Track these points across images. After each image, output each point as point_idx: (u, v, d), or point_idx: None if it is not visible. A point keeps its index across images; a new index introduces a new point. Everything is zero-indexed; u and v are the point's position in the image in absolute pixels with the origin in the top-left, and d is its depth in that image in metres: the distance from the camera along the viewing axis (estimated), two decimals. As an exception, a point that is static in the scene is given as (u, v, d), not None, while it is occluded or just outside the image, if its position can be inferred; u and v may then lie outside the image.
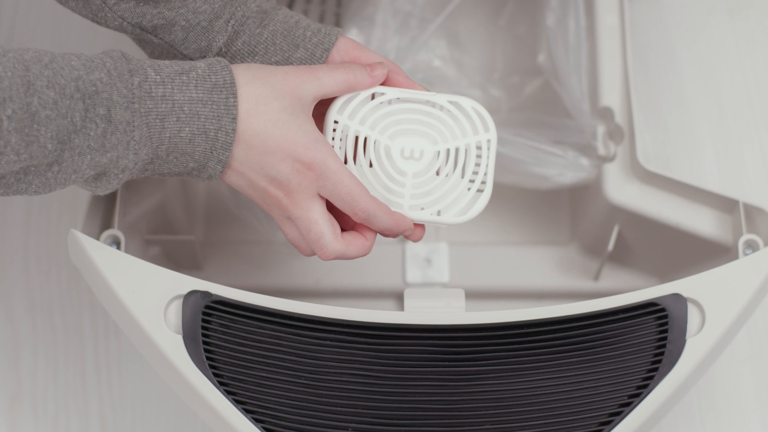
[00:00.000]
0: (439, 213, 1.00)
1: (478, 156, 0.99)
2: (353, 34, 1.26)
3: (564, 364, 0.99)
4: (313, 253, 0.99)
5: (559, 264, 1.23)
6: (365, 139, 0.99)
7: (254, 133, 0.94)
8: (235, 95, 0.93)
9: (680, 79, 1.37)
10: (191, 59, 0.99)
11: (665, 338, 1.00)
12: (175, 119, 0.93)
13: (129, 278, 1.00)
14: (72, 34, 1.37)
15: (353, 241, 0.98)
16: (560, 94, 1.20)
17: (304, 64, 1.00)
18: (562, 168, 1.17)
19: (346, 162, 0.99)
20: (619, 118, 1.17)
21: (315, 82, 0.96)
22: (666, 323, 1.00)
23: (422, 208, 0.99)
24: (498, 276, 1.25)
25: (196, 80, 0.93)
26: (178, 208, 1.21)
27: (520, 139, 1.17)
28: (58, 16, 1.38)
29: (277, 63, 1.00)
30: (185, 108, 0.93)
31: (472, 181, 0.99)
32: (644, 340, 1.00)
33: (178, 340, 0.98)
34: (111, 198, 1.10)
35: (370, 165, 0.99)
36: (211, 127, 0.93)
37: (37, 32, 1.37)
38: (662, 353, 0.99)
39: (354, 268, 1.26)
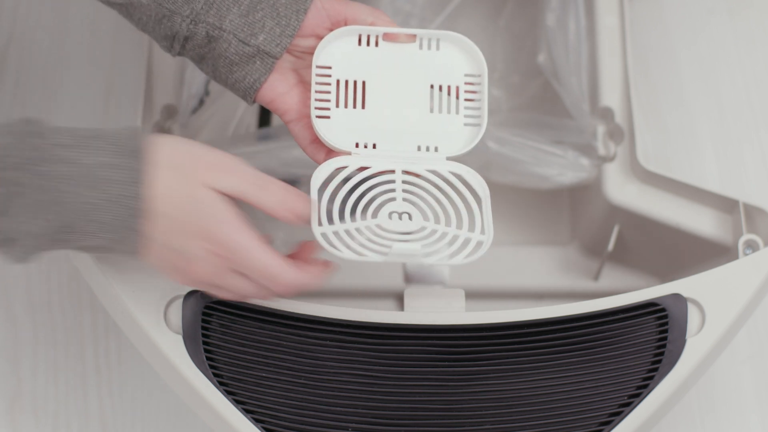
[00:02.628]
0: (436, 149, 0.99)
1: (473, 92, 0.99)
2: (353, 34, 1.26)
3: (564, 364, 0.99)
4: (273, 294, 0.96)
5: (559, 264, 1.23)
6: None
7: (167, 202, 0.91)
8: (143, 162, 0.90)
9: (680, 79, 1.37)
10: (171, 11, 0.98)
11: (665, 338, 1.00)
12: (74, 183, 0.89)
13: (129, 278, 1.00)
14: (72, 34, 1.37)
15: (308, 268, 0.96)
16: (560, 94, 1.20)
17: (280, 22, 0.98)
18: (562, 168, 1.17)
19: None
20: (619, 118, 1.17)
21: (232, 182, 0.93)
22: (666, 323, 1.00)
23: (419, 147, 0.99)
24: (498, 276, 1.25)
25: (111, 144, 0.90)
26: (178, 208, 1.21)
27: (520, 139, 1.17)
28: (58, 16, 1.38)
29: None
30: (98, 172, 0.89)
31: (467, 115, 0.99)
32: (644, 340, 1.00)
33: (178, 340, 0.99)
34: (111, 198, 1.10)
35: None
36: (123, 193, 0.90)
37: (37, 32, 1.37)
38: (662, 353, 0.99)
39: (354, 268, 1.25)
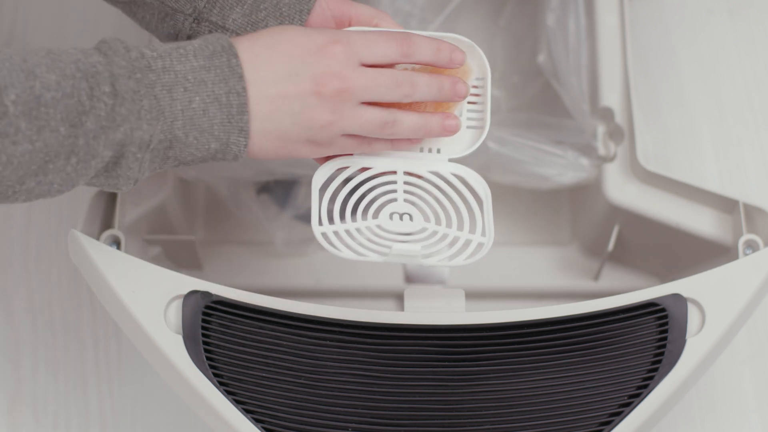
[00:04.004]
0: (438, 150, 0.99)
1: (476, 95, 0.99)
2: (353, 34, 1.26)
3: (564, 364, 0.99)
4: (418, 123, 0.96)
5: (559, 264, 1.23)
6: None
7: (270, 55, 0.92)
8: (236, 56, 0.91)
9: (680, 79, 1.37)
10: (174, 10, 0.98)
11: (665, 338, 1.00)
12: (182, 89, 0.90)
13: (129, 278, 1.00)
14: (72, 34, 1.37)
15: None
16: (560, 94, 1.20)
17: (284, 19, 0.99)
18: (562, 168, 1.17)
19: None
20: (619, 118, 1.17)
21: (361, 44, 0.94)
22: (666, 323, 1.00)
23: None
24: (498, 276, 1.25)
25: (194, 51, 0.91)
26: (178, 208, 1.21)
27: (520, 139, 1.17)
28: (59, 16, 1.38)
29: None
30: (189, 76, 0.90)
31: (470, 118, 0.99)
32: (644, 340, 1.00)
33: (178, 340, 0.99)
34: (111, 198, 1.10)
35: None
36: (221, 91, 0.91)
37: (38, 32, 1.37)
38: (662, 353, 0.99)
39: (354, 267, 1.26)
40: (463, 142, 0.99)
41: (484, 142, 1.16)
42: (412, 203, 0.98)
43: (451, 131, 0.97)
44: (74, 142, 0.87)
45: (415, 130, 0.96)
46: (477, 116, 0.99)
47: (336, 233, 0.96)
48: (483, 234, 0.97)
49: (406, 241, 0.97)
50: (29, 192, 0.88)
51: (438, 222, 0.98)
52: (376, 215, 0.97)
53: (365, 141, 0.97)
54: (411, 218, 0.98)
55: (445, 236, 0.97)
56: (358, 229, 0.96)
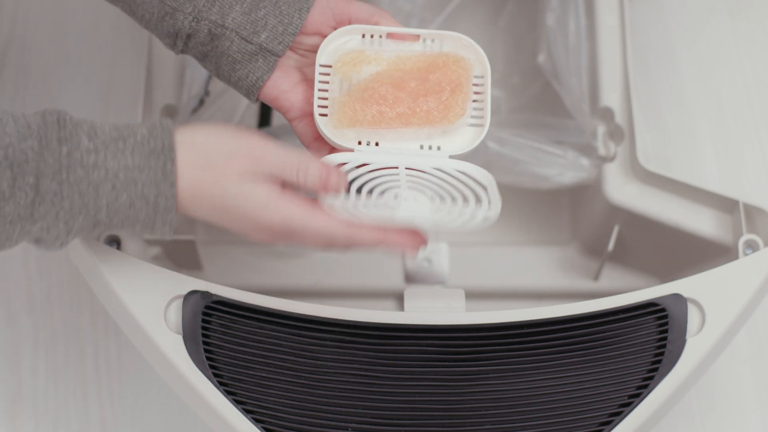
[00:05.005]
0: (439, 148, 0.99)
1: (477, 93, 0.99)
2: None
3: (564, 364, 0.99)
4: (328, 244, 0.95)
5: (559, 264, 1.23)
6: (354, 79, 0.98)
7: (206, 194, 0.92)
8: (173, 160, 0.91)
9: (680, 79, 1.37)
10: (174, 8, 0.98)
11: (665, 338, 1.00)
12: (110, 187, 0.90)
13: (129, 278, 1.00)
14: (72, 34, 1.37)
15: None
16: (560, 95, 1.20)
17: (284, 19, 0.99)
18: (563, 168, 1.17)
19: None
20: (619, 118, 1.17)
21: (276, 157, 0.93)
22: (666, 323, 1.00)
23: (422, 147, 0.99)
24: (498, 276, 1.25)
25: (133, 146, 0.91)
26: (178, 208, 1.21)
27: (520, 139, 1.17)
28: (58, 16, 1.38)
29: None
30: (120, 175, 0.90)
31: (472, 117, 0.99)
32: (644, 340, 1.00)
33: (178, 341, 0.99)
34: (111, 198, 1.10)
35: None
36: (149, 192, 0.91)
37: (38, 31, 1.37)
38: (662, 353, 0.99)
39: (354, 268, 1.26)
40: (464, 139, 0.99)
41: (484, 142, 1.16)
42: (416, 190, 0.98)
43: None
44: None
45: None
46: (477, 113, 0.99)
47: (343, 207, 0.95)
48: (489, 208, 0.96)
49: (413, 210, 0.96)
50: None
51: (443, 203, 0.98)
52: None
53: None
54: (416, 200, 0.97)
55: (450, 212, 0.96)
56: (365, 206, 0.96)
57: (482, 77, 0.99)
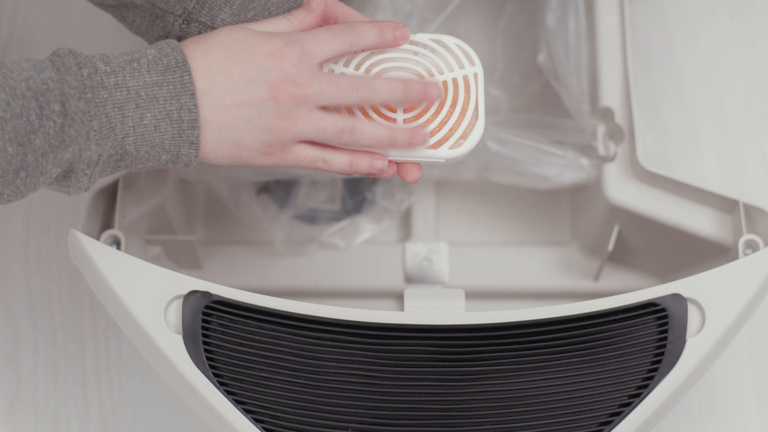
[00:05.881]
0: (434, 148, 0.98)
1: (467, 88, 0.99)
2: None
3: (564, 364, 0.99)
4: (372, 134, 0.95)
5: (559, 264, 1.23)
6: None
7: (227, 66, 0.92)
8: (189, 72, 0.92)
9: (680, 79, 1.37)
10: (164, 11, 0.98)
11: (665, 338, 1.00)
12: (133, 106, 0.91)
13: (129, 278, 1.00)
14: (72, 33, 1.37)
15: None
16: (560, 95, 1.20)
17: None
18: (563, 168, 1.17)
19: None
20: (619, 118, 1.17)
21: (318, 44, 0.95)
22: (666, 323, 1.00)
23: None
24: (498, 276, 1.25)
25: (148, 65, 0.91)
26: (178, 208, 1.21)
27: (520, 139, 1.17)
28: (58, 15, 1.38)
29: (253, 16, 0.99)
30: (141, 93, 0.91)
31: (463, 113, 0.98)
32: (644, 340, 1.00)
33: (178, 340, 0.99)
34: (111, 198, 1.10)
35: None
36: (172, 108, 0.91)
37: (38, 31, 1.37)
38: (662, 353, 0.99)
39: (354, 268, 1.26)
40: (458, 138, 0.97)
41: (483, 142, 1.16)
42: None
43: (419, 143, 0.96)
44: (23, 159, 0.88)
45: (377, 140, 0.95)
46: (471, 109, 0.98)
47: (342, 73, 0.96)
48: (472, 64, 0.98)
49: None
50: None
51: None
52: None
53: (322, 151, 0.96)
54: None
55: (444, 84, 0.97)
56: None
57: (475, 74, 0.99)
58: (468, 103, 0.98)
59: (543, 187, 1.18)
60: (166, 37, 0.98)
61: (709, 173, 1.32)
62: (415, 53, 0.99)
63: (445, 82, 0.98)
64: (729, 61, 1.38)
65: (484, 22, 1.33)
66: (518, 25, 1.32)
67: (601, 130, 1.18)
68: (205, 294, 1.00)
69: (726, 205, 1.12)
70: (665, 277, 1.20)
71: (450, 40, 0.99)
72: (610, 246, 1.18)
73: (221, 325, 1.00)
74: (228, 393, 0.98)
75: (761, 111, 1.35)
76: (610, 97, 1.17)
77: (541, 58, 1.23)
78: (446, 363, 0.99)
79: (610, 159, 1.17)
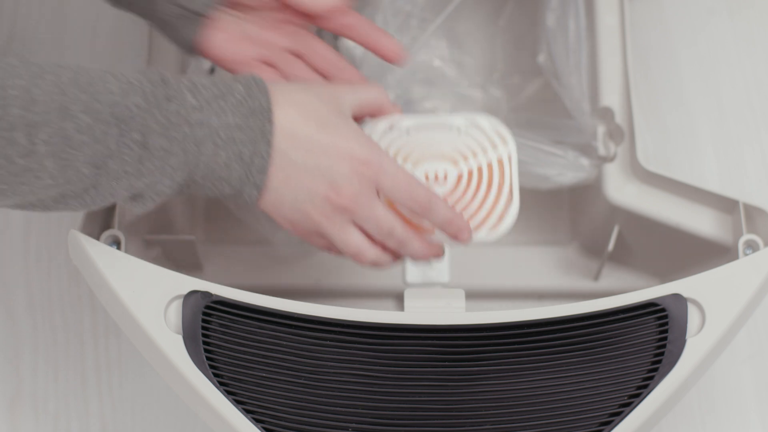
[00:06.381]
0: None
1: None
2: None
3: (564, 364, 0.99)
4: (380, 262, 1.00)
5: (559, 264, 1.23)
6: None
7: (306, 138, 0.95)
8: (271, 121, 0.94)
9: (680, 79, 1.37)
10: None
11: (665, 338, 1.00)
12: (211, 144, 0.93)
13: (129, 278, 1.00)
14: (73, 32, 1.37)
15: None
16: (560, 94, 1.20)
17: None
18: (562, 168, 1.17)
19: None
20: (620, 118, 1.17)
21: (353, 93, 0.99)
22: (666, 323, 1.00)
23: None
24: (498, 276, 1.25)
25: (234, 105, 0.94)
26: (178, 208, 1.21)
27: (520, 139, 1.17)
28: (59, 14, 1.38)
29: None
30: (221, 133, 0.93)
31: (498, 196, 1.01)
32: (644, 340, 1.00)
33: (178, 340, 0.99)
34: (111, 198, 1.10)
35: None
36: (246, 151, 0.94)
37: (38, 31, 1.37)
38: (662, 353, 0.99)
39: (354, 268, 1.26)
40: (495, 220, 1.02)
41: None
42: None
43: (464, 242, 1.01)
44: (96, 180, 0.90)
45: (422, 256, 1.01)
46: (506, 191, 1.01)
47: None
48: (510, 195, 1.01)
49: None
50: (46, 207, 0.91)
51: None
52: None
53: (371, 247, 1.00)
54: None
55: (479, 168, 1.01)
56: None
57: (509, 155, 1.01)
58: (503, 186, 1.01)
59: (543, 187, 1.18)
60: (165, 24, 1.01)
61: (709, 173, 1.32)
62: (457, 131, 1.01)
63: (480, 168, 1.00)
64: (729, 61, 1.38)
65: (484, 22, 1.33)
66: (518, 25, 1.32)
67: (601, 130, 1.18)
68: (205, 294, 1.00)
69: (726, 205, 1.12)
70: (665, 277, 1.20)
71: (483, 121, 1.01)
72: (610, 246, 1.18)
73: (221, 325, 1.00)
74: (228, 393, 0.98)
75: (761, 111, 1.35)
76: (610, 97, 1.17)
77: (541, 58, 1.23)
78: (446, 363, 0.99)
79: (610, 159, 1.17)
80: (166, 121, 0.91)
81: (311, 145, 0.95)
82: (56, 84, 0.87)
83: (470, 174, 1.01)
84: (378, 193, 0.97)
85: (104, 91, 0.89)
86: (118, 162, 0.89)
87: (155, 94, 0.91)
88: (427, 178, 1.01)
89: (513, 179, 1.00)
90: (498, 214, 1.00)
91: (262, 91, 0.95)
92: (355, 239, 0.98)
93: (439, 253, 1.02)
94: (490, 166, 1.01)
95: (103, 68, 0.91)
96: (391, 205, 0.98)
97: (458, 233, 1.00)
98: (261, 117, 0.94)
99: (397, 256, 1.01)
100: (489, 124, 1.01)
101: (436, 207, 0.98)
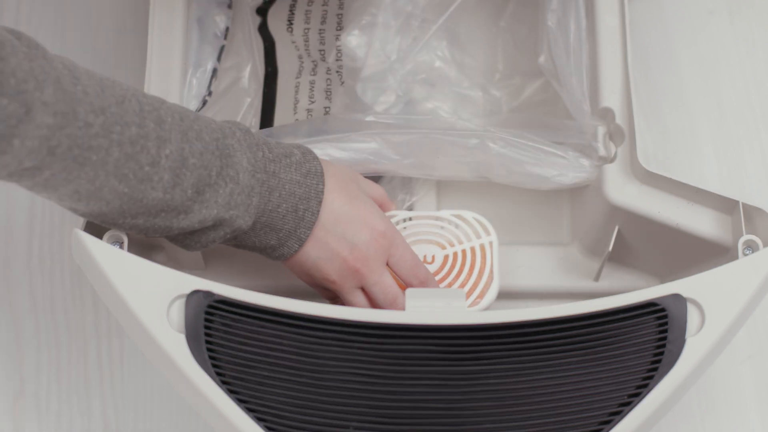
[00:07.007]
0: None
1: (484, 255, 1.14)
2: (355, 35, 1.26)
3: (564, 364, 0.99)
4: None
5: (559, 264, 1.23)
6: None
7: (339, 208, 1.05)
8: (323, 183, 1.05)
9: (680, 79, 1.37)
10: None
11: (665, 338, 1.00)
12: (277, 195, 1.03)
13: (132, 278, 1.00)
14: (74, 34, 1.37)
15: None
16: (561, 95, 1.20)
17: None
18: (563, 168, 1.17)
19: None
20: (620, 118, 1.17)
21: (365, 181, 1.12)
22: (666, 323, 1.00)
23: None
24: (498, 277, 1.25)
25: (296, 164, 1.04)
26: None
27: (520, 139, 1.17)
28: (60, 16, 1.38)
29: None
30: (286, 186, 1.03)
31: (480, 275, 1.13)
32: (644, 340, 1.00)
33: (181, 340, 0.99)
34: (114, 198, 1.10)
35: None
36: (301, 206, 1.04)
37: (39, 32, 1.37)
38: (662, 353, 1.00)
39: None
40: (475, 297, 1.13)
41: (485, 143, 1.17)
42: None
43: None
44: (191, 206, 0.98)
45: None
46: (487, 273, 1.14)
47: None
48: (491, 276, 1.15)
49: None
50: (130, 227, 1.00)
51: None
52: None
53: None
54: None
55: (463, 252, 1.16)
56: None
57: (490, 243, 1.15)
58: (484, 268, 1.14)
59: (543, 188, 1.18)
60: None
61: (709, 173, 1.32)
62: (441, 227, 1.15)
63: (464, 251, 1.14)
64: (729, 61, 1.38)
65: (485, 23, 1.34)
66: (519, 26, 1.32)
67: (601, 130, 1.18)
68: (208, 293, 1.00)
69: (726, 205, 1.12)
70: (665, 277, 1.20)
71: (469, 215, 1.16)
72: (610, 246, 1.18)
73: (224, 325, 1.00)
74: (230, 392, 0.98)
75: (761, 111, 1.36)
76: (611, 97, 1.18)
77: (542, 58, 1.23)
78: (447, 362, 1.00)
79: (610, 160, 1.17)
80: (255, 164, 1.01)
81: (343, 214, 1.05)
82: (176, 111, 0.98)
83: (455, 256, 1.14)
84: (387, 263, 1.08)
85: (208, 127, 1.00)
86: (212, 191, 0.99)
87: (247, 140, 1.02)
88: None
89: (494, 263, 1.14)
90: (479, 291, 1.13)
91: (315, 158, 1.06)
92: (359, 301, 1.08)
93: None
94: (473, 250, 1.14)
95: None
96: (394, 276, 1.10)
97: None
98: (316, 178, 1.04)
99: None
100: (473, 217, 1.16)
101: (431, 285, 1.10)
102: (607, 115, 1.18)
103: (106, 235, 1.07)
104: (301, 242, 1.04)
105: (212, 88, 1.25)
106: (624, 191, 1.15)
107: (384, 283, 1.07)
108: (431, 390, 0.99)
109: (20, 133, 0.87)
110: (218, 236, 1.03)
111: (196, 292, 1.00)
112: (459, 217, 1.16)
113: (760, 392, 1.23)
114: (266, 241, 1.05)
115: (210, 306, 1.00)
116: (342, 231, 1.05)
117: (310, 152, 1.07)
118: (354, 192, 1.07)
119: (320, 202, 1.04)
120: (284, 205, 1.03)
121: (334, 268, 1.06)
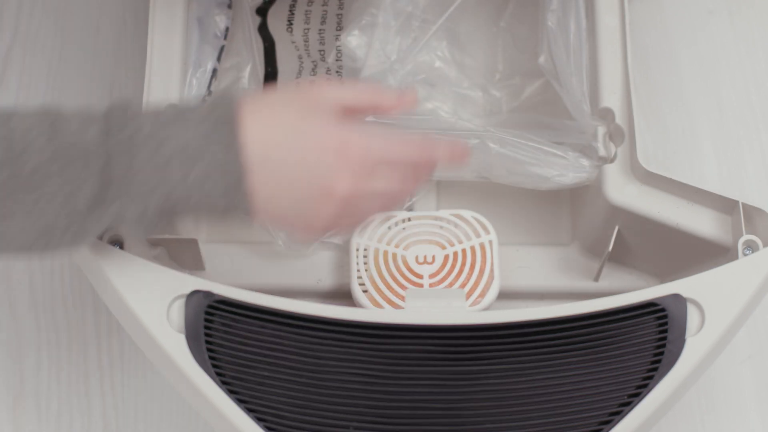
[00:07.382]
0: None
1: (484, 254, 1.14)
2: (355, 35, 1.26)
3: (564, 364, 1.00)
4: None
5: (559, 264, 1.24)
6: (385, 253, 1.15)
7: (281, 138, 0.92)
8: (236, 126, 0.91)
9: (680, 79, 1.37)
10: None
11: (665, 338, 1.00)
12: (179, 160, 0.90)
13: (132, 278, 1.00)
14: (75, 35, 1.37)
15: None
16: (561, 95, 1.21)
17: None
18: (563, 169, 1.17)
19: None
20: (620, 119, 1.17)
21: (336, 89, 0.95)
22: (666, 323, 1.00)
23: None
24: (498, 276, 1.25)
25: (198, 120, 0.91)
26: (180, 207, 1.21)
27: (520, 139, 1.17)
28: (61, 17, 1.38)
29: None
30: (189, 147, 0.90)
31: (480, 275, 1.13)
32: (644, 340, 1.00)
33: (181, 340, 0.99)
34: (114, 198, 1.10)
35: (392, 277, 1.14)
36: (217, 161, 0.91)
37: (40, 34, 1.37)
38: (662, 353, 1.00)
39: (355, 267, 1.26)
40: (476, 296, 1.14)
41: (484, 142, 1.17)
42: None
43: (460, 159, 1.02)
44: (69, 221, 0.91)
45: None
46: (487, 271, 1.15)
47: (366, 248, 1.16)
48: (491, 275, 1.15)
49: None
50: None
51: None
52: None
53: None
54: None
55: (463, 251, 1.16)
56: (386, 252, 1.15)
57: (490, 241, 1.15)
58: (484, 267, 1.14)
59: (543, 188, 1.19)
60: None
61: (709, 173, 1.32)
62: (441, 227, 1.16)
63: (464, 250, 1.15)
64: (729, 61, 1.38)
65: (485, 23, 1.34)
66: (519, 26, 1.32)
67: (601, 130, 1.18)
68: (208, 293, 1.00)
69: (726, 205, 1.13)
70: (665, 277, 1.21)
71: (468, 214, 1.17)
72: (610, 246, 1.18)
73: (224, 325, 1.00)
74: (230, 392, 0.98)
75: (761, 111, 1.36)
76: (611, 97, 1.18)
77: (542, 58, 1.23)
78: (447, 362, 1.00)
79: (610, 160, 1.17)
80: (123, 146, 0.90)
81: (290, 143, 0.92)
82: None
83: (455, 255, 1.14)
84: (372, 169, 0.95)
85: (65, 132, 0.90)
86: (85, 192, 0.90)
87: (106, 129, 0.91)
88: (417, 260, 1.14)
89: (494, 261, 1.14)
90: (480, 290, 1.13)
91: (227, 102, 0.92)
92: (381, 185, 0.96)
93: (464, 154, 1.01)
94: (473, 249, 1.15)
95: (63, 106, 0.91)
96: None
97: (462, 152, 1.01)
98: (224, 124, 0.91)
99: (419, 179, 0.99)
100: (472, 216, 1.16)
101: (434, 144, 0.98)
102: (607, 115, 1.18)
103: (106, 236, 1.07)
104: (247, 195, 0.92)
105: (212, 88, 1.26)
106: (624, 191, 1.15)
107: (378, 186, 0.95)
108: (431, 390, 0.99)
109: None
110: (134, 226, 0.93)
111: (196, 292, 1.00)
112: (458, 216, 1.17)
113: (760, 392, 1.23)
114: (212, 210, 0.93)
115: (210, 306, 1.00)
116: (300, 158, 0.92)
117: (224, 97, 0.93)
118: (299, 112, 0.93)
119: (239, 149, 0.90)
120: (196, 167, 0.90)
121: (321, 206, 0.94)
